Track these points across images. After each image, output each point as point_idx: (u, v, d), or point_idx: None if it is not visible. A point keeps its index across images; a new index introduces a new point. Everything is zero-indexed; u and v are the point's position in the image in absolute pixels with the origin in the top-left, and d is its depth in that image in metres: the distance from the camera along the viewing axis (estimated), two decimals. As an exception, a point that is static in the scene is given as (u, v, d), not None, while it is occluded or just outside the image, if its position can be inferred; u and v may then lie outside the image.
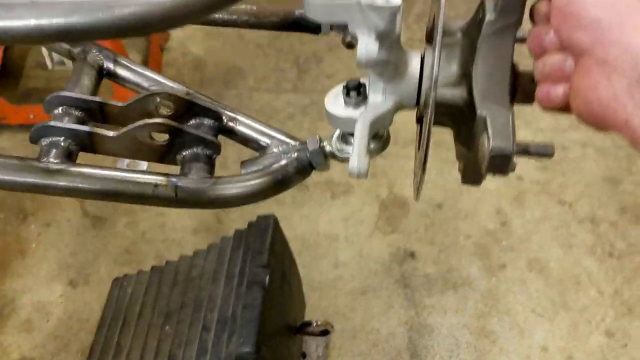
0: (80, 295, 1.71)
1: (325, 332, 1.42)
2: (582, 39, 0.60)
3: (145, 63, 2.30)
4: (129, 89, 1.00)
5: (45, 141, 0.87)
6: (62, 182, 0.84)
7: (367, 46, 0.67)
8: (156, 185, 0.84)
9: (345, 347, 1.64)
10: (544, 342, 1.68)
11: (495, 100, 0.66)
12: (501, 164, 0.64)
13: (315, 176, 0.87)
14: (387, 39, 0.68)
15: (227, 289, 1.25)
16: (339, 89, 0.77)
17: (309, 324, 1.42)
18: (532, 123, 2.20)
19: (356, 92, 0.75)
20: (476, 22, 0.68)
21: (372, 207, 1.98)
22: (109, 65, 0.99)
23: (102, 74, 0.99)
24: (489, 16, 0.65)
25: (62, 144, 0.86)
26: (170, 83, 0.96)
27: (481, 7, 0.67)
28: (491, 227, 1.94)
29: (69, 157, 0.86)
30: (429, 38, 0.74)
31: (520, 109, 0.70)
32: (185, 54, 2.46)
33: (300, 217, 1.94)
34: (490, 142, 0.63)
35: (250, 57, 2.45)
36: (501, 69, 0.67)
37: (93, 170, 0.84)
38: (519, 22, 0.67)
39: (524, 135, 2.00)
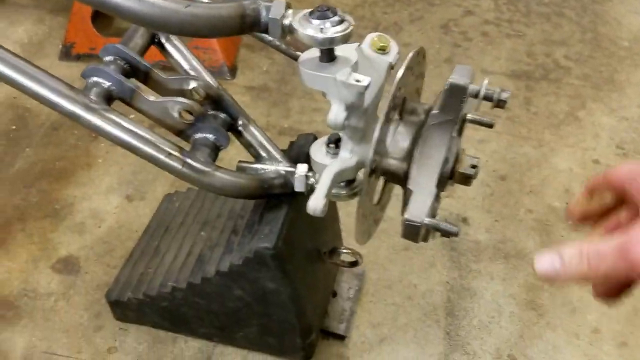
0: (134, 208, 1.73)
1: (354, 264, 1.36)
2: None
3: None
4: (169, 63, 1.09)
5: (92, 79, 0.95)
6: (93, 120, 0.92)
7: (337, 114, 0.78)
8: (169, 154, 0.94)
9: (379, 294, 1.54)
10: (597, 323, 1.51)
11: (424, 179, 0.77)
12: (410, 233, 0.75)
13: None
14: (356, 110, 0.79)
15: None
16: (324, 140, 0.89)
17: (336, 249, 1.36)
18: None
19: (335, 145, 0.87)
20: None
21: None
22: (162, 37, 1.09)
23: (154, 40, 1.08)
24: (434, 109, 0.76)
25: (106, 87, 0.95)
26: (204, 73, 1.07)
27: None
28: (557, 205, 1.78)
29: (107, 100, 0.95)
30: (401, 113, 0.85)
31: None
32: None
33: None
34: (404, 213, 0.75)
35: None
36: (437, 154, 0.77)
37: (123, 120, 0.93)
38: (456, 120, 0.77)
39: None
